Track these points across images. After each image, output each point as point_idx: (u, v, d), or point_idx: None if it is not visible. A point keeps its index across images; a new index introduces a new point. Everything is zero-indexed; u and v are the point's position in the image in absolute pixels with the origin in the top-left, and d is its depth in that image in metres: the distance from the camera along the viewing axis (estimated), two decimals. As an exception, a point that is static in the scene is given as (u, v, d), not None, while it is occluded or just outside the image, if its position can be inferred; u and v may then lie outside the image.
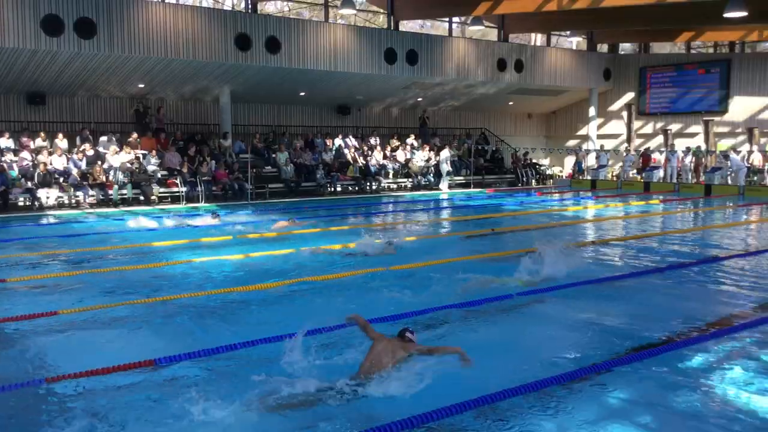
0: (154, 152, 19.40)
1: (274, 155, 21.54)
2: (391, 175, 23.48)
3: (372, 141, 24.49)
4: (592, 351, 5.52)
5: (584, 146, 28.20)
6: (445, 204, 19.68)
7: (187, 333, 6.21)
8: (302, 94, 23.40)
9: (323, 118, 25.49)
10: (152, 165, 18.99)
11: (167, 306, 7.02)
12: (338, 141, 23.61)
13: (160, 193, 18.53)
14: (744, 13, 18.31)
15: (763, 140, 23.91)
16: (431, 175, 23.80)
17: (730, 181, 22.11)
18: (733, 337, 5.95)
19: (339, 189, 21.75)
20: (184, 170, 18.98)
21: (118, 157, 18.43)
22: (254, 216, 15.27)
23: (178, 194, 18.62)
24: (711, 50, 28.76)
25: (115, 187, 17.77)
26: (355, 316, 5.58)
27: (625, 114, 27.58)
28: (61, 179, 17.45)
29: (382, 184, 22.79)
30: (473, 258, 9.65)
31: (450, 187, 23.62)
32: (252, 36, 19.64)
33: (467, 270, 8.21)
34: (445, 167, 23.63)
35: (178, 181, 18.72)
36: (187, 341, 5.80)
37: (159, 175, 18.96)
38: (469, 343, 5.50)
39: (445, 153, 23.93)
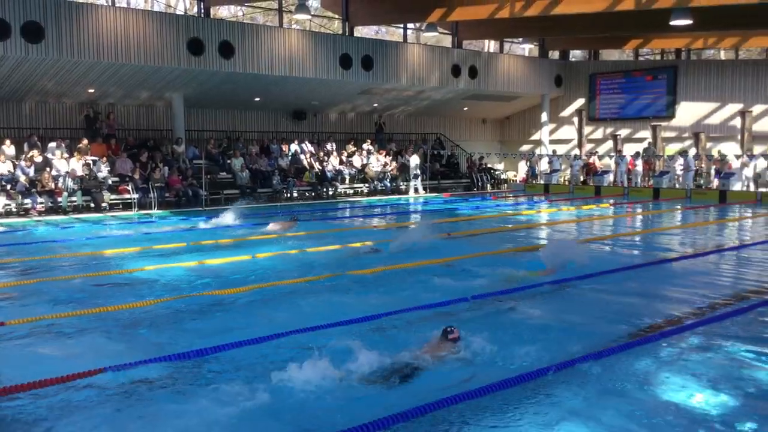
0: (104, 158, 19.02)
1: (229, 161, 21.34)
2: (347, 181, 23.49)
3: (328, 146, 24.47)
4: (541, 354, 5.55)
5: (537, 151, 28.69)
6: (401, 209, 19.76)
7: (137, 341, 6.12)
8: (257, 99, 23.25)
9: (279, 124, 25.37)
10: (103, 171, 18.61)
11: (119, 314, 6.89)
12: (294, 146, 23.51)
13: (111, 200, 18.16)
14: (689, 22, 18.90)
15: (709, 144, 24.68)
16: (387, 180, 23.90)
17: (677, 185, 22.75)
18: (676, 339, 6.01)
19: (295, 195, 21.66)
20: (136, 176, 18.65)
21: (67, 164, 18.01)
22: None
23: (129, 201, 18.27)
24: (658, 57, 29.59)
25: (65, 194, 17.35)
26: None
27: (576, 119, 28.18)
28: (8, 186, 16.95)
29: (339, 190, 22.78)
30: (429, 263, 9.72)
31: (416, 191, 23.97)
32: (205, 41, 19.44)
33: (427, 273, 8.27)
34: (415, 172, 24.11)
35: (129, 188, 18.37)
36: (139, 349, 5.71)
37: (110, 182, 18.59)
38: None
39: (416, 159, 24.39)
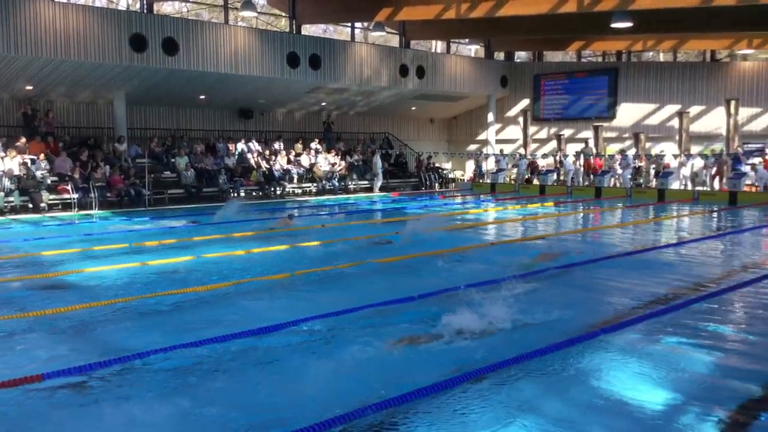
0: (43, 157, 18.43)
1: (173, 160, 20.95)
2: (295, 180, 23.35)
3: (276, 145, 24.27)
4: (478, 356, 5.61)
5: (484, 151, 29.07)
6: (351, 208, 19.74)
7: (78, 344, 5.96)
8: (202, 97, 22.89)
9: (225, 122, 25.03)
10: (42, 170, 18.02)
11: (57, 318, 6.70)
12: (241, 145, 23.24)
13: (50, 200, 17.59)
14: (629, 24, 19.46)
15: (648, 144, 25.42)
16: (336, 179, 23.86)
17: (618, 184, 23.37)
18: (614, 335, 6.13)
19: (242, 194, 21.41)
20: (76, 176, 18.11)
21: (2, 163, 17.37)
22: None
23: (69, 201, 17.74)
24: (600, 59, 30.34)
25: (1, 194, 16.74)
26: None
27: (521, 120, 28.67)
28: (-61, 186, 16.27)
29: (287, 189, 22.62)
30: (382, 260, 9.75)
31: (381, 189, 24.54)
32: (148, 37, 19.02)
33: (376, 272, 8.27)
34: (377, 171, 24.73)
35: (69, 188, 17.83)
36: (80, 353, 5.57)
37: (49, 182, 18.01)
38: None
39: (377, 158, 24.95)
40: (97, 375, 5.05)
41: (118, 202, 18.55)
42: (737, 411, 4.43)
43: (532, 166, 26.21)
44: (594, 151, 25.48)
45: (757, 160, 21.78)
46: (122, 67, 18.99)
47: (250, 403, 4.61)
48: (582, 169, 25.08)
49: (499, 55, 30.67)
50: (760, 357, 5.68)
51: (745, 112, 23.97)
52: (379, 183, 24.92)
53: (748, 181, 21.06)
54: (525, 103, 29.52)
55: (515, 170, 26.40)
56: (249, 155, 22.91)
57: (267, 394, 4.81)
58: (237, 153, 22.85)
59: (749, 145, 23.88)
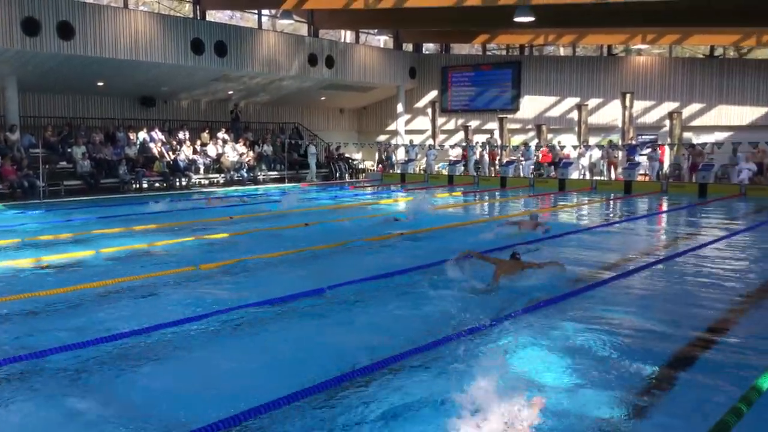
0: None
1: (69, 149, 19.94)
2: (202, 171, 22.74)
3: (180, 135, 23.54)
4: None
5: (393, 141, 29.29)
6: (260, 199, 19.42)
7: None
8: (100, 84, 21.88)
9: (125, 110, 24.02)
10: None
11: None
12: (143, 135, 22.39)
13: (-68, 192, 16.40)
14: (531, 19, 20.02)
15: (549, 136, 26.34)
16: (244, 170, 23.41)
17: (522, 174, 24.12)
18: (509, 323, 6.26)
19: (145, 185, 20.66)
20: (-38, 167, 16.96)
21: None
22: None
23: (-46, 194, 16.59)
24: (504, 52, 31.13)
25: None
26: (469, 251, 7.86)
27: (429, 111, 29.06)
28: None
29: (193, 180, 22.01)
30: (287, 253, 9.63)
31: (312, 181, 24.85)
32: (41, 20, 18.00)
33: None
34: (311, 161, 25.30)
35: (-46, 179, 16.68)
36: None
37: (-70, 173, 16.78)
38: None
39: (312, 149, 25.33)
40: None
41: (10, 194, 17.49)
42: (636, 392, 4.64)
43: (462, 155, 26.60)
44: (499, 142, 26.17)
45: (647, 150, 23.00)
46: (13, 52, 17.87)
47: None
48: (488, 159, 25.71)
49: (408, 47, 30.93)
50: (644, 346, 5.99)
51: (639, 105, 25.23)
52: (314, 171, 25.21)
53: (642, 171, 22.23)
54: (433, 94, 29.93)
55: (424, 160, 26.77)
56: (152, 145, 22.12)
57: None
58: (138, 142, 22.01)
59: (643, 137, 25.19)
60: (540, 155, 24.58)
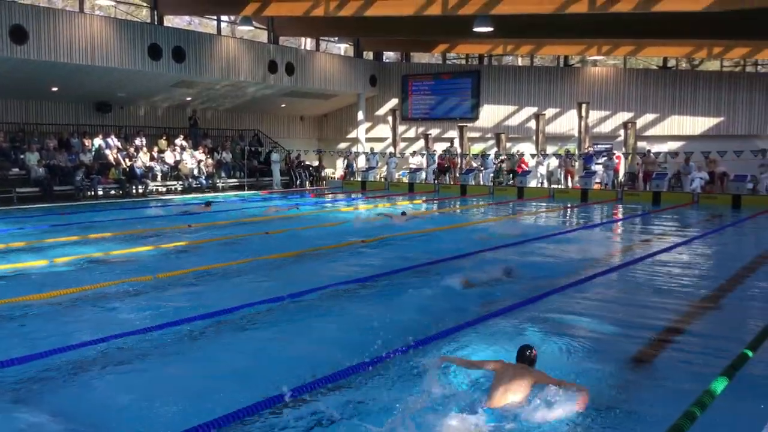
0: None
1: (22, 156, 19.44)
2: (159, 178, 22.38)
3: (137, 141, 23.14)
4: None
5: (354, 149, 29.29)
6: (215, 208, 19.19)
7: None
8: (54, 89, 21.40)
9: (80, 116, 23.51)
10: None
11: None
12: (98, 141, 21.95)
13: None
14: (490, 29, 20.27)
15: (508, 144, 26.66)
16: (203, 177, 23.12)
17: (482, 182, 24.35)
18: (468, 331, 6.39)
19: (101, 193, 20.24)
20: None
21: None
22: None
23: None
24: (464, 62, 31.44)
25: None
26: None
27: (390, 119, 29.15)
28: None
29: (150, 187, 21.64)
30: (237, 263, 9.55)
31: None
32: (-8, 23, 17.52)
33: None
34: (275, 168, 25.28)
35: None
36: None
37: None
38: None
39: (275, 156, 25.35)
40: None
41: (-42, 202, 16.96)
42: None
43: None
44: (459, 150, 26.38)
45: (603, 159, 23.43)
46: (-39, 55, 17.37)
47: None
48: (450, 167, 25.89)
49: (369, 55, 31.01)
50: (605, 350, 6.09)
51: (595, 115, 25.73)
52: (278, 179, 25.12)
53: (597, 180, 22.66)
54: (394, 102, 30.04)
55: (385, 168, 26.83)
56: (107, 151, 21.69)
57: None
58: (94, 149, 21.57)
59: (598, 146, 25.68)
60: (502, 165, 24.84)
